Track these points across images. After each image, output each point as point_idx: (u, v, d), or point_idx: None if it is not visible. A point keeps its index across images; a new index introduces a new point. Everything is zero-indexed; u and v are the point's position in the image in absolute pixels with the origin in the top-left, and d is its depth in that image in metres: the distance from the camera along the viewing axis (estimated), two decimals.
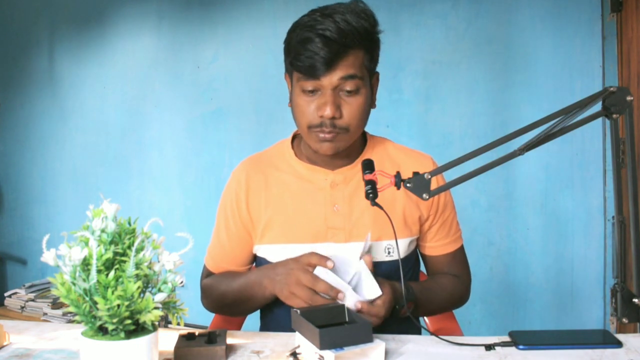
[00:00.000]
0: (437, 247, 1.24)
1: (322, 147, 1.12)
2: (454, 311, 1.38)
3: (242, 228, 1.22)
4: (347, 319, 0.95)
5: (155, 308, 0.70)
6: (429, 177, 0.93)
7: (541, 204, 2.51)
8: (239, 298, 1.18)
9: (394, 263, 1.16)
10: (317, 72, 1.05)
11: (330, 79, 1.06)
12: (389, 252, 1.16)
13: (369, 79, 1.12)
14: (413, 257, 1.25)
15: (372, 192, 0.97)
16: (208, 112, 2.89)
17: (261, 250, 1.21)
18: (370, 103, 1.15)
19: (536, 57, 2.49)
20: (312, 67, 1.04)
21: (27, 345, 0.97)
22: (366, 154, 1.20)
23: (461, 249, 1.29)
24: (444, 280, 1.24)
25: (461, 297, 1.27)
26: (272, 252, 1.19)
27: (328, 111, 1.06)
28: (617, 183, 0.92)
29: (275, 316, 1.23)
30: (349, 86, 1.07)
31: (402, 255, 1.19)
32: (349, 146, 1.16)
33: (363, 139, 1.24)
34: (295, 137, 1.27)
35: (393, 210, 1.17)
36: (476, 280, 2.52)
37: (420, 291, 1.13)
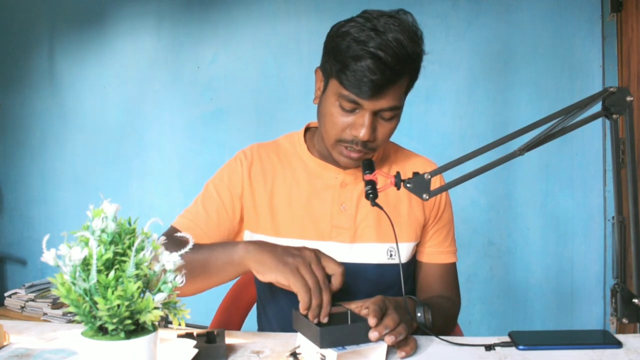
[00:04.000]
0: (428, 253, 1.22)
1: (344, 161, 1.10)
2: None
3: (230, 201, 1.17)
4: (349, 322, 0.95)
5: (155, 308, 0.70)
6: (429, 177, 0.93)
7: (541, 204, 2.51)
8: (200, 262, 1.02)
9: (395, 266, 1.15)
10: (363, 95, 0.99)
11: (374, 105, 1.01)
12: (391, 255, 1.15)
13: (404, 100, 1.09)
14: (415, 264, 1.25)
15: (372, 192, 0.97)
16: (208, 112, 2.89)
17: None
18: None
19: (536, 57, 2.49)
20: (359, 88, 0.98)
21: (27, 345, 0.97)
22: (377, 156, 1.20)
23: (453, 268, 1.25)
24: (442, 301, 1.18)
25: (454, 320, 1.23)
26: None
27: (364, 134, 1.02)
28: (617, 183, 0.92)
29: (270, 318, 1.23)
30: (388, 115, 1.04)
31: (405, 260, 1.18)
32: None
33: None
34: (307, 130, 1.24)
35: (397, 213, 1.16)
36: (476, 280, 2.55)
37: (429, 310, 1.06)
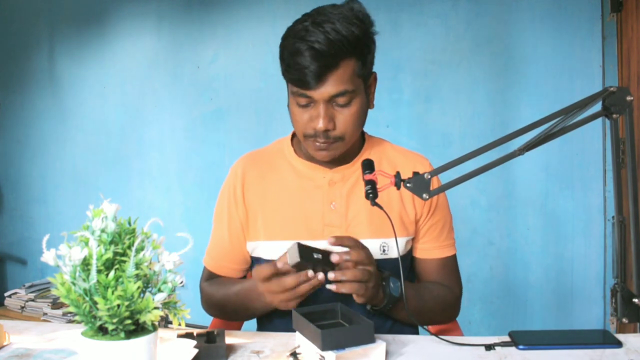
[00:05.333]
0: (425, 249, 1.23)
1: (319, 155, 1.13)
2: None
3: (238, 221, 1.22)
4: (339, 318, 0.97)
5: (155, 308, 0.70)
6: (429, 177, 0.93)
7: (541, 204, 2.51)
8: (239, 306, 1.17)
9: (389, 261, 1.16)
10: (308, 86, 1.04)
11: (322, 94, 1.04)
12: (384, 251, 1.16)
13: (363, 85, 1.10)
14: (409, 258, 1.25)
15: (372, 192, 0.97)
16: (208, 112, 2.89)
17: (258, 249, 1.20)
18: (366, 107, 1.13)
19: (536, 57, 2.49)
20: (303, 81, 1.04)
21: (27, 345, 0.97)
22: (364, 154, 1.21)
23: (452, 259, 1.26)
24: (432, 285, 1.22)
25: (451, 306, 1.24)
26: (268, 248, 1.18)
27: (320, 125, 1.06)
28: (617, 183, 0.92)
29: (271, 318, 1.23)
30: (341, 100, 1.06)
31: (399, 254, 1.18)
32: (351, 144, 1.16)
33: (361, 138, 1.24)
34: (295, 134, 1.27)
35: (390, 210, 1.16)
36: (476, 280, 2.55)
37: (408, 286, 1.12)
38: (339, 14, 1.04)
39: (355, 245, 1.02)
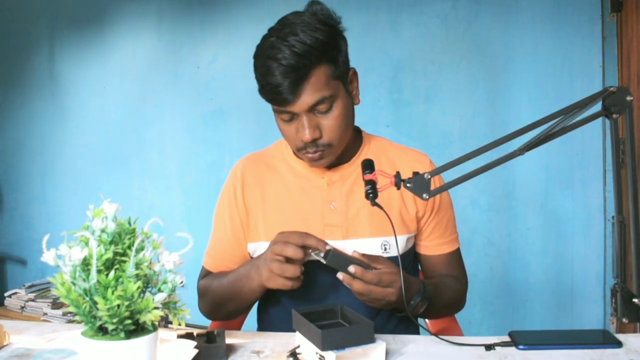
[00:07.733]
0: (431, 246, 1.24)
1: (314, 164, 1.14)
2: None
3: (239, 222, 1.22)
4: (339, 318, 0.97)
5: (155, 308, 0.70)
6: (429, 177, 0.93)
7: (541, 204, 2.51)
8: (230, 294, 1.16)
9: (391, 260, 1.16)
10: (285, 102, 1.05)
11: (301, 106, 1.05)
12: (385, 249, 1.16)
13: (342, 85, 1.10)
14: (411, 255, 1.25)
15: (372, 192, 0.97)
16: (208, 112, 2.89)
17: (259, 250, 1.20)
18: (351, 106, 1.13)
19: (536, 57, 2.49)
20: (279, 99, 1.05)
21: (27, 345, 0.97)
22: (363, 152, 1.21)
23: (457, 252, 1.27)
24: (447, 279, 1.23)
25: (461, 299, 1.26)
26: None
27: (306, 136, 1.06)
28: (617, 183, 0.92)
29: (272, 317, 1.23)
30: (322, 108, 1.06)
31: (400, 252, 1.18)
32: (345, 146, 1.16)
33: (359, 137, 1.24)
34: None
35: (390, 208, 1.17)
36: (476, 280, 2.55)
37: (432, 288, 1.12)
38: (301, 23, 1.04)
39: (379, 276, 1.00)
